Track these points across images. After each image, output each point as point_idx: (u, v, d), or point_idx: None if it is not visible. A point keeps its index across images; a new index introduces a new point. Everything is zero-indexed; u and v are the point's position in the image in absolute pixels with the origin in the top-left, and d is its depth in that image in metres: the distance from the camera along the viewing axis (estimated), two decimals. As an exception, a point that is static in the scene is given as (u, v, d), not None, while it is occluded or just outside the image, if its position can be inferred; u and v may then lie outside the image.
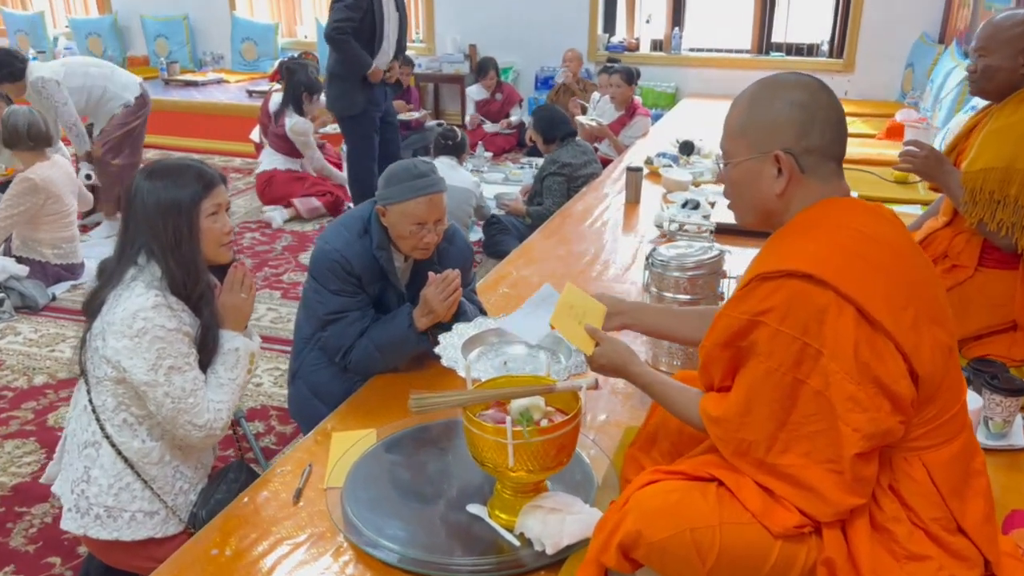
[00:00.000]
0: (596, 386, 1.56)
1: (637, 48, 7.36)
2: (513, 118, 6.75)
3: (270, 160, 5.15)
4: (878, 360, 1.20)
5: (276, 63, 7.75)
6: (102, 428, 1.75)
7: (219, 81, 7.92)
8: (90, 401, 1.76)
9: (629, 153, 4.94)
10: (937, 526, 1.27)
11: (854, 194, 4.13)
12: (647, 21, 7.34)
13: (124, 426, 1.75)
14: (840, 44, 6.85)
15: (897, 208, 3.71)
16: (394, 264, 2.18)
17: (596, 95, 6.21)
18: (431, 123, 7.20)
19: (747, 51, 7.19)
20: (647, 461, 1.64)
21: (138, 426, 1.76)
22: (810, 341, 1.21)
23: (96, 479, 1.75)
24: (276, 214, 4.98)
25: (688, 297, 2.16)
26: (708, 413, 1.35)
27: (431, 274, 2.12)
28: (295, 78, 5.00)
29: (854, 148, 4.81)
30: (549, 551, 1.44)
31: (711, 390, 1.41)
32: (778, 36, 7.09)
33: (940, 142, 4.05)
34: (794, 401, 1.25)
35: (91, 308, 1.76)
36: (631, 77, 5.46)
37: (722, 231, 3.32)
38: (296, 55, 6.08)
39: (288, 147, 5.10)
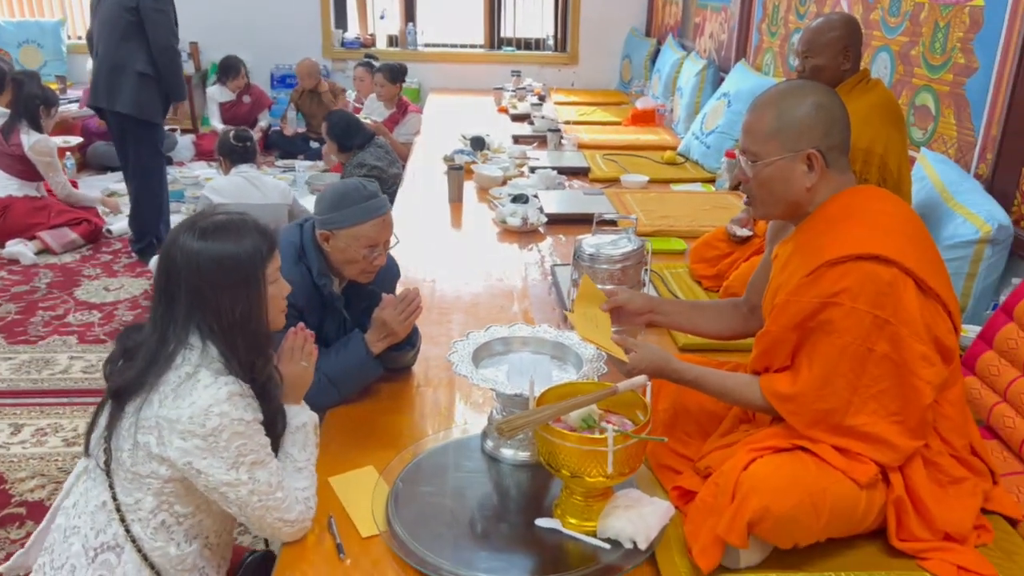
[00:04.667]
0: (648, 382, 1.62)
1: (373, 43, 7.33)
2: (262, 123, 6.38)
3: (2, 186, 4.37)
4: (934, 321, 1.43)
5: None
6: (127, 530, 1.44)
7: None
8: (113, 497, 1.44)
9: (416, 150, 4.93)
10: (964, 451, 1.54)
11: (642, 177, 4.52)
12: (381, 17, 7.33)
13: (161, 529, 1.45)
14: (563, 39, 7.42)
15: (677, 187, 4.19)
16: (334, 291, 2.05)
17: (351, 93, 6.11)
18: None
19: (480, 46, 7.49)
20: (677, 445, 1.76)
21: (176, 527, 1.47)
22: (879, 313, 1.41)
23: None
24: (22, 248, 4.26)
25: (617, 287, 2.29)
26: (778, 392, 1.50)
27: (385, 296, 2.02)
28: (26, 90, 4.29)
29: (610, 135, 5.30)
30: (642, 546, 1.50)
31: (766, 372, 1.56)
32: (507, 31, 7.48)
33: (700, 124, 4.60)
34: (864, 367, 1.43)
35: (128, 392, 1.42)
36: (395, 74, 5.45)
37: (553, 221, 3.53)
38: None
39: (24, 169, 4.38)
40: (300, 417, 1.60)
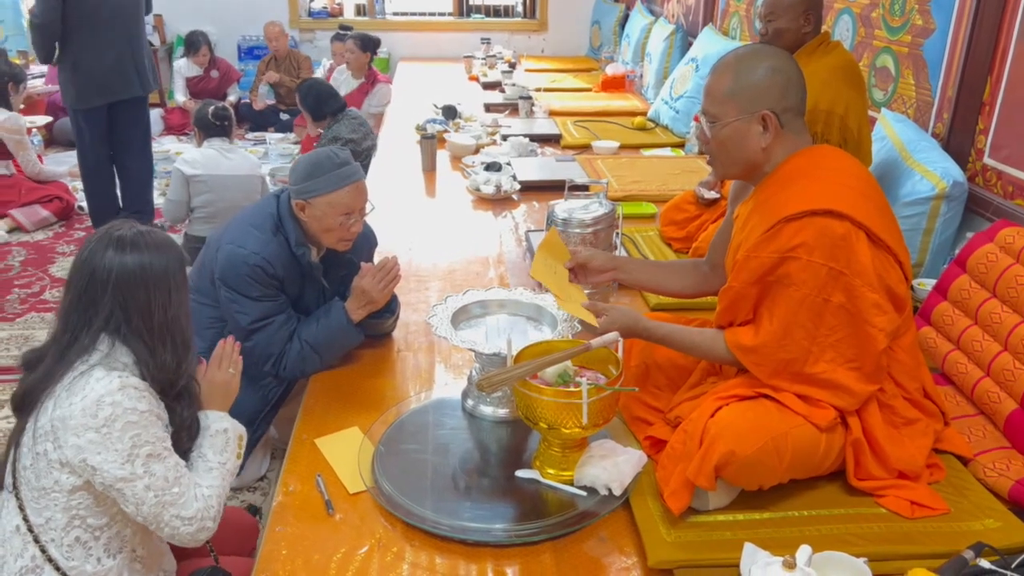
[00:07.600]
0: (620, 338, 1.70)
1: (341, 13, 7.27)
2: (232, 97, 6.32)
3: (-30, 164, 4.34)
4: (886, 272, 1.52)
5: None
6: (43, 550, 1.43)
7: None
8: (25, 519, 1.43)
9: (388, 120, 4.94)
10: (917, 394, 1.64)
11: (613, 143, 4.56)
12: (348, -15, 7.27)
13: (76, 545, 1.44)
14: (532, 5, 7.40)
15: (648, 152, 4.25)
16: (312, 260, 2.10)
17: (325, 62, 6.08)
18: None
19: (449, 14, 7.46)
20: (648, 397, 1.84)
21: (93, 543, 1.45)
22: (834, 265, 1.49)
23: None
24: (-7, 227, 4.24)
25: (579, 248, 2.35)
26: (742, 344, 1.58)
27: (364, 264, 2.08)
28: (-9, 66, 4.25)
29: (581, 101, 5.34)
30: (617, 492, 1.58)
31: (730, 326, 1.64)
32: (476, -2, 7.46)
33: (669, 89, 4.66)
34: (822, 317, 1.52)
35: (25, 405, 1.44)
36: (366, 44, 5.43)
37: (526, 188, 3.58)
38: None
39: (-8, 146, 4.34)
40: (222, 423, 1.59)
